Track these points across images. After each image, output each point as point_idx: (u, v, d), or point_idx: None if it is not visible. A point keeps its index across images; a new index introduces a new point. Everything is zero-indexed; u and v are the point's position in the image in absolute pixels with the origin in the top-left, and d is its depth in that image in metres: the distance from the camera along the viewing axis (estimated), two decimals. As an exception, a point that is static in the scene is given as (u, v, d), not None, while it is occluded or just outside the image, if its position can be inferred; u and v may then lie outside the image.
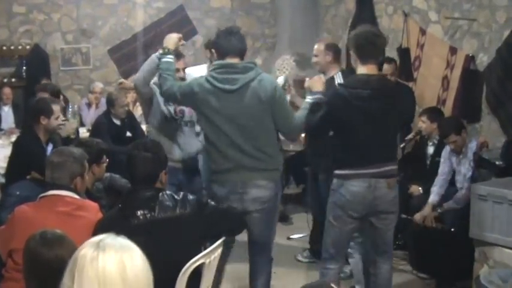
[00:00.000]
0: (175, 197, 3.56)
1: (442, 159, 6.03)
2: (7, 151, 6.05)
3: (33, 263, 2.70)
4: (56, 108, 5.60)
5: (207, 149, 4.48)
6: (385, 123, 4.32)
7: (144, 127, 7.17)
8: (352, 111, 4.21)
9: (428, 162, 6.46)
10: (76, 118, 8.50)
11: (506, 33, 6.11)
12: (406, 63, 7.57)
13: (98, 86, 9.49)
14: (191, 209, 3.55)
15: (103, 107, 8.53)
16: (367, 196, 4.26)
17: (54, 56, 10.37)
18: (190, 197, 3.63)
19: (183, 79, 4.96)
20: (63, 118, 6.43)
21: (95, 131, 7.34)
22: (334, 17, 9.84)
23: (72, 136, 6.45)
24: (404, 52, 7.63)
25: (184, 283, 3.44)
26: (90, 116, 9.17)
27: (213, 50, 6.09)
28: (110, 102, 7.45)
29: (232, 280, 5.56)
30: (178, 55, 4.99)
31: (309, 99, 4.58)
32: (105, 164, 4.57)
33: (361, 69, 4.31)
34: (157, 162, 3.65)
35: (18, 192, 4.89)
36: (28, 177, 5.13)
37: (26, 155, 5.33)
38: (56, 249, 2.66)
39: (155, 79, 4.93)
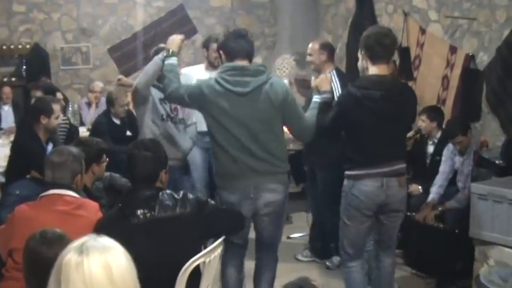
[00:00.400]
0: (175, 196, 3.56)
1: (443, 158, 6.02)
2: (7, 150, 6.06)
3: (33, 262, 2.70)
4: (56, 107, 5.60)
5: (215, 152, 4.38)
6: (396, 123, 4.36)
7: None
8: (363, 111, 4.24)
9: (428, 161, 6.46)
10: (76, 118, 8.53)
11: (506, 32, 6.12)
12: (406, 63, 7.57)
13: (98, 85, 9.49)
14: (191, 208, 3.55)
15: (103, 106, 8.53)
16: (380, 195, 4.30)
17: (54, 55, 10.38)
18: (191, 196, 3.63)
19: None
20: (63, 117, 6.45)
21: (94, 130, 7.33)
22: (334, 16, 9.84)
23: None
24: (404, 51, 7.62)
25: (184, 282, 3.44)
26: (90, 115, 9.17)
27: (210, 49, 6.15)
28: (110, 101, 7.45)
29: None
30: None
31: (317, 98, 4.58)
32: (105, 164, 4.56)
33: (372, 70, 4.33)
34: (157, 162, 3.65)
35: (18, 192, 4.89)
36: (28, 176, 5.14)
37: (25, 154, 5.33)
38: (55, 248, 2.65)
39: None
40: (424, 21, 7.52)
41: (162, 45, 5.42)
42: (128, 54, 10.55)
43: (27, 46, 10.07)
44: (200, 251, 3.58)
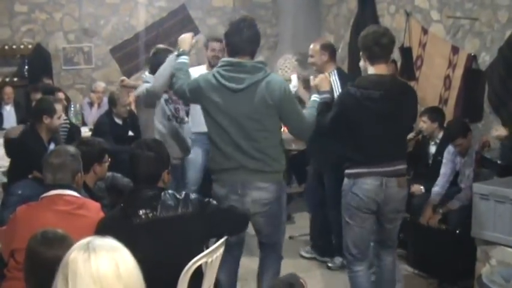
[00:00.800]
0: (178, 196, 3.56)
1: (444, 160, 6.03)
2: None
3: (32, 262, 2.70)
4: (58, 107, 5.62)
5: (210, 146, 4.42)
6: (396, 123, 4.37)
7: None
8: (363, 111, 4.26)
9: (430, 161, 6.47)
10: (78, 118, 8.54)
11: (508, 32, 6.11)
12: (408, 63, 7.57)
13: (100, 85, 9.50)
14: (193, 208, 3.54)
15: (105, 106, 8.54)
16: (379, 194, 4.31)
17: (56, 55, 10.39)
18: (193, 196, 3.62)
19: None
20: (65, 117, 6.46)
21: (96, 130, 7.34)
22: (336, 16, 9.84)
23: None
24: (406, 51, 7.63)
25: (186, 282, 3.44)
26: (92, 115, 9.18)
27: (208, 48, 6.17)
28: (112, 101, 7.46)
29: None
30: None
31: (316, 98, 4.58)
32: (107, 164, 4.57)
33: (371, 70, 4.36)
34: (160, 162, 3.65)
35: (20, 192, 4.90)
36: (30, 176, 5.14)
37: (28, 154, 5.33)
38: (55, 248, 2.66)
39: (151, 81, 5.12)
40: (426, 22, 7.52)
41: (160, 46, 5.44)
42: (129, 54, 10.56)
43: (29, 46, 10.08)
44: (202, 251, 3.57)
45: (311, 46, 5.84)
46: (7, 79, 9.90)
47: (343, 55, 9.09)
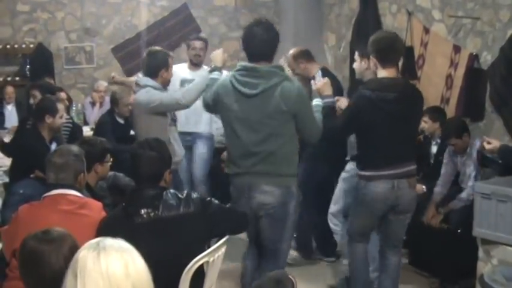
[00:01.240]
0: (179, 195, 3.57)
1: (444, 161, 6.06)
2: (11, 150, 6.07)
3: (31, 261, 2.70)
4: (61, 107, 5.62)
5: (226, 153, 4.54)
6: (407, 124, 4.52)
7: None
8: (377, 113, 4.36)
9: (431, 161, 6.47)
10: (80, 117, 8.54)
11: (510, 31, 6.10)
12: (410, 62, 7.56)
13: (102, 84, 9.51)
14: (195, 207, 3.55)
15: (107, 105, 8.54)
16: (390, 196, 4.45)
17: (57, 54, 10.40)
18: (194, 195, 3.63)
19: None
20: (67, 117, 6.47)
21: (98, 129, 7.34)
22: (338, 15, 9.83)
23: None
24: (408, 51, 7.61)
25: (188, 282, 3.45)
26: (94, 114, 9.19)
27: (189, 47, 6.19)
28: (114, 101, 7.46)
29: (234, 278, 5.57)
30: None
31: (319, 102, 4.60)
32: (108, 163, 4.57)
33: (382, 73, 4.48)
34: (162, 161, 3.66)
35: (21, 191, 4.91)
36: (32, 175, 5.15)
37: (30, 154, 5.34)
38: (55, 247, 2.66)
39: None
40: (427, 21, 7.50)
41: (156, 47, 5.42)
42: (131, 53, 10.56)
43: (31, 46, 10.09)
44: (204, 250, 3.58)
45: (283, 62, 5.96)
46: (9, 78, 9.90)
47: (345, 54, 9.08)
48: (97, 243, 1.96)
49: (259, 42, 4.21)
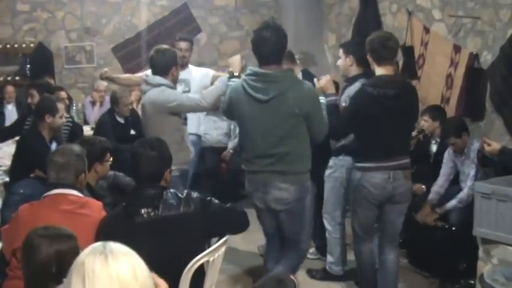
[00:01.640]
0: (179, 195, 3.57)
1: (444, 160, 6.08)
2: (11, 149, 6.08)
3: (31, 255, 2.71)
4: (61, 106, 5.62)
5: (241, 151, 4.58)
6: (404, 119, 4.76)
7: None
8: (379, 108, 4.57)
9: (431, 160, 6.47)
10: (80, 117, 8.54)
11: (510, 31, 6.09)
12: (410, 62, 7.56)
13: (102, 84, 9.49)
14: (195, 207, 3.55)
15: (107, 105, 8.54)
16: (387, 186, 4.66)
17: (58, 54, 10.40)
18: (195, 195, 3.63)
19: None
20: (67, 116, 6.47)
21: (99, 129, 7.35)
22: (338, 15, 9.83)
23: None
24: (408, 50, 7.62)
25: (188, 281, 3.45)
26: (94, 114, 9.19)
27: (175, 47, 6.13)
28: (114, 100, 7.47)
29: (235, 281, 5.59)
30: None
31: (322, 100, 4.67)
32: (108, 163, 4.57)
33: (379, 71, 4.69)
34: (162, 161, 3.66)
35: (22, 191, 4.91)
36: (32, 175, 5.15)
37: (30, 153, 5.34)
38: (55, 244, 2.67)
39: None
40: (428, 20, 7.50)
41: (164, 46, 5.37)
42: (131, 53, 10.57)
43: (31, 45, 10.10)
44: (204, 249, 3.58)
45: None
46: (9, 78, 9.91)
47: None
48: (103, 246, 1.96)
49: (269, 46, 4.26)
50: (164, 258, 3.32)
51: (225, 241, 3.80)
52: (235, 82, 4.68)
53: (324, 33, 10.09)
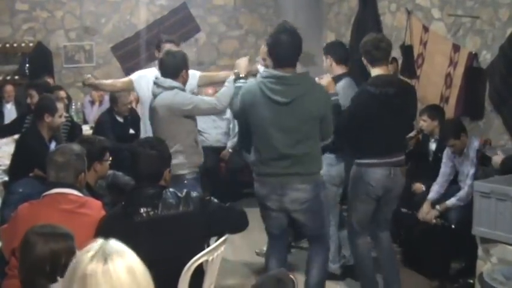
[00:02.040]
0: (179, 194, 3.56)
1: (443, 160, 6.08)
2: (10, 148, 6.07)
3: (26, 253, 2.71)
4: (60, 106, 5.62)
5: (253, 153, 4.52)
6: (403, 117, 4.95)
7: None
8: (380, 107, 4.70)
9: (430, 158, 6.48)
10: (79, 116, 8.54)
11: (510, 30, 6.10)
12: (409, 61, 7.57)
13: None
14: (194, 206, 3.55)
15: (106, 104, 8.55)
16: (387, 182, 4.82)
17: (57, 53, 10.41)
18: (194, 194, 3.63)
19: None
20: (67, 115, 6.46)
21: (98, 128, 7.35)
22: (337, 14, 9.83)
23: None
24: (407, 49, 7.62)
25: (188, 280, 3.45)
26: (94, 113, 9.19)
27: (161, 50, 6.01)
28: (113, 99, 7.47)
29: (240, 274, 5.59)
30: None
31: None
32: (108, 162, 4.56)
33: (374, 72, 4.82)
34: (162, 160, 3.66)
35: (21, 190, 4.90)
36: (31, 174, 5.15)
37: (29, 153, 5.34)
38: (54, 243, 2.67)
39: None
40: (427, 20, 7.51)
41: (172, 48, 5.32)
42: (131, 52, 10.58)
43: (30, 44, 10.10)
44: (203, 249, 3.58)
45: (263, 48, 5.92)
46: (8, 77, 9.91)
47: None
48: (101, 252, 1.92)
49: (286, 49, 4.33)
50: (163, 257, 3.33)
51: (224, 240, 3.79)
52: (242, 84, 4.74)
53: (323, 32, 10.09)
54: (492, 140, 6.22)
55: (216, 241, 3.75)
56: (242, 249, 6.41)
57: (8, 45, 9.98)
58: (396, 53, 7.51)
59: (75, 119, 7.96)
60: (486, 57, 6.50)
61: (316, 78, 4.96)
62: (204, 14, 11.02)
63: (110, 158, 4.59)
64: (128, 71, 10.00)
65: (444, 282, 5.60)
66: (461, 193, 5.77)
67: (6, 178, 5.81)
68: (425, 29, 7.47)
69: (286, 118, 4.28)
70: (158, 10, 10.80)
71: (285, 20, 4.65)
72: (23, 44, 10.06)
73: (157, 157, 3.62)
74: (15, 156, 5.62)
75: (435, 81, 7.23)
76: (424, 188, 6.28)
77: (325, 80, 4.93)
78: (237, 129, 8.47)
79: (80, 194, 3.70)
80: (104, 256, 1.89)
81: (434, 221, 5.82)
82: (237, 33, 11.16)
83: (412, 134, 6.55)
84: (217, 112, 5.33)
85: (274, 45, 4.35)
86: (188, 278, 3.44)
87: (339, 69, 5.43)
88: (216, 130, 8.42)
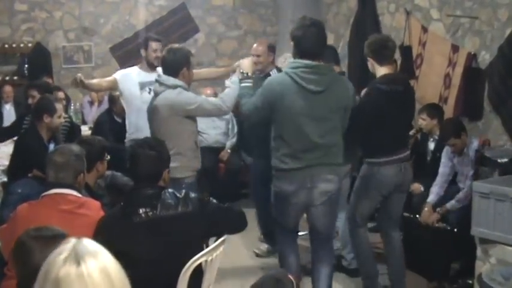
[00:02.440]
0: (178, 195, 3.56)
1: (442, 160, 6.07)
2: (9, 149, 6.07)
3: (18, 253, 2.70)
4: (59, 106, 5.63)
5: (275, 147, 4.48)
6: (408, 114, 5.21)
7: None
8: (390, 104, 4.79)
9: (429, 158, 6.47)
10: (78, 116, 8.53)
11: (508, 31, 6.10)
12: (408, 61, 7.57)
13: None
14: (193, 207, 3.55)
15: (105, 104, 8.55)
16: (398, 178, 4.95)
17: (56, 54, 10.40)
18: (192, 195, 3.62)
19: None
20: (66, 115, 6.46)
21: (96, 128, 7.36)
22: (336, 15, 9.83)
23: None
24: (406, 50, 7.62)
25: (186, 281, 3.44)
26: (92, 113, 9.19)
27: (149, 49, 6.00)
28: (112, 100, 7.47)
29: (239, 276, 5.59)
30: None
31: None
32: (106, 161, 4.57)
33: (382, 70, 4.90)
34: (161, 161, 3.66)
35: (20, 190, 4.91)
36: (30, 175, 5.15)
37: (28, 153, 5.34)
38: (42, 244, 2.66)
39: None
40: (426, 20, 7.51)
41: (175, 45, 5.29)
42: (129, 52, 10.55)
43: (29, 45, 10.09)
44: (202, 249, 3.58)
45: (258, 47, 6.12)
46: (7, 78, 9.90)
47: (343, 54, 9.08)
48: (74, 253, 1.87)
49: (316, 41, 4.43)
50: (162, 257, 3.33)
51: (223, 241, 3.79)
52: (249, 83, 4.78)
53: (322, 33, 10.07)
54: (491, 140, 6.23)
55: (215, 241, 3.75)
56: (241, 250, 6.41)
57: (6, 45, 9.98)
58: (395, 53, 7.50)
59: (74, 119, 7.95)
60: (485, 58, 6.51)
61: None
62: (203, 15, 11.01)
63: (108, 157, 4.59)
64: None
65: (443, 283, 5.60)
66: (461, 195, 5.76)
67: (5, 179, 5.81)
68: (424, 30, 7.48)
69: (319, 107, 4.35)
70: (157, 10, 10.80)
71: (305, 15, 4.69)
72: (21, 45, 10.06)
73: (156, 158, 3.62)
74: (14, 157, 5.62)
75: (434, 82, 7.23)
76: (422, 189, 6.27)
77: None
78: (236, 130, 8.49)
79: (79, 195, 3.70)
80: (77, 258, 1.84)
81: (436, 224, 5.81)
82: (236, 33, 11.16)
83: (411, 133, 6.54)
84: (222, 114, 5.34)
85: (305, 38, 4.40)
86: (187, 279, 3.44)
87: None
88: (215, 130, 8.42)
